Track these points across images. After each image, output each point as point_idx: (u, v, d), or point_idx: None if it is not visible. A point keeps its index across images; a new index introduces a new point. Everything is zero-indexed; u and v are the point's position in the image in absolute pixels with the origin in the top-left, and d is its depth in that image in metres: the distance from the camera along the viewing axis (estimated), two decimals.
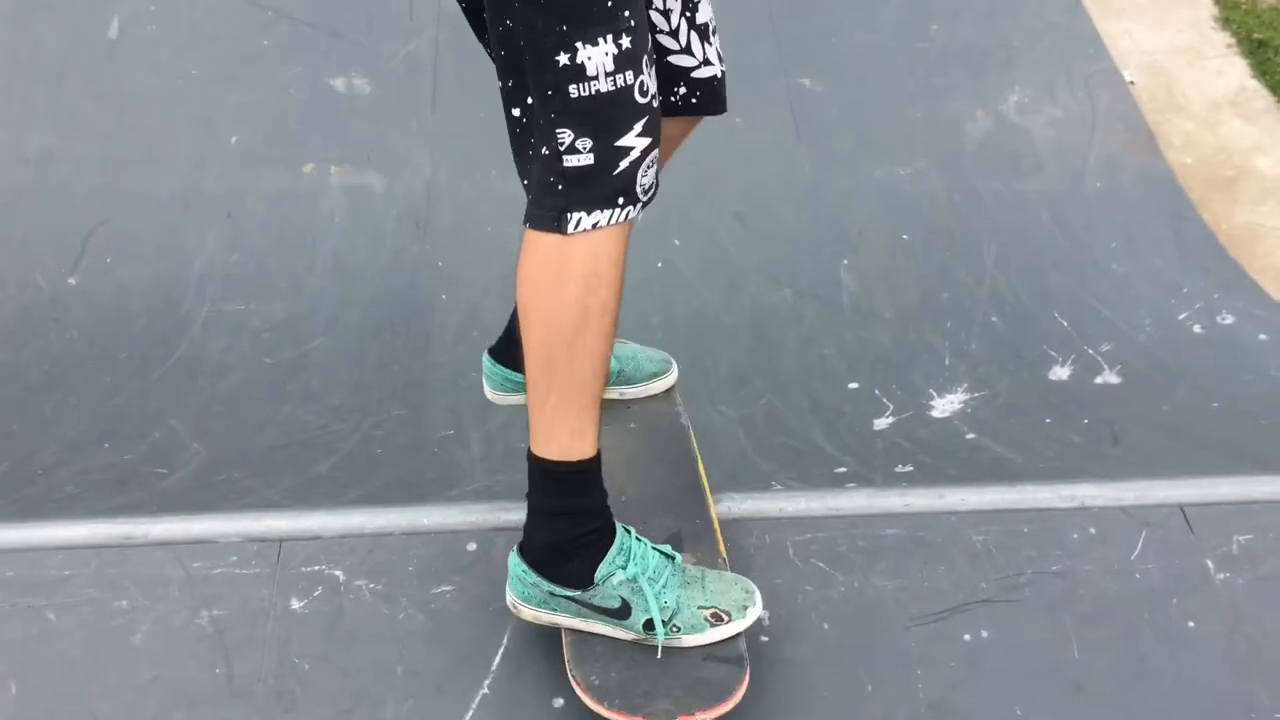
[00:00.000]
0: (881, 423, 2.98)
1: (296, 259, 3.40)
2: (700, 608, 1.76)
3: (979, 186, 3.74)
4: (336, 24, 4.08)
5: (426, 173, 3.67)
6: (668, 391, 2.35)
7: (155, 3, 4.06)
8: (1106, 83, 4.15)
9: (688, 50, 1.89)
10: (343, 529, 2.08)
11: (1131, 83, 4.18)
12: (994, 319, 3.30)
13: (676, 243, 3.51)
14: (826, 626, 2.04)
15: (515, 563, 1.80)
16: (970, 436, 2.91)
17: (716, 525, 2.06)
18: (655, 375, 2.33)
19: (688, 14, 1.84)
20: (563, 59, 1.51)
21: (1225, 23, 4.49)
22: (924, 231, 3.59)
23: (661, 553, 1.82)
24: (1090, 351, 3.19)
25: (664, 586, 1.75)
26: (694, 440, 2.29)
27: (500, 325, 2.37)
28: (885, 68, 4.15)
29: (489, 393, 2.27)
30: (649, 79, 1.60)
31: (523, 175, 1.80)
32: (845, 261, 3.47)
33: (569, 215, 1.61)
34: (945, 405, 3.04)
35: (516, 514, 2.04)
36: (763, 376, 3.15)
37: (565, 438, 1.69)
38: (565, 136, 1.57)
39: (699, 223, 3.58)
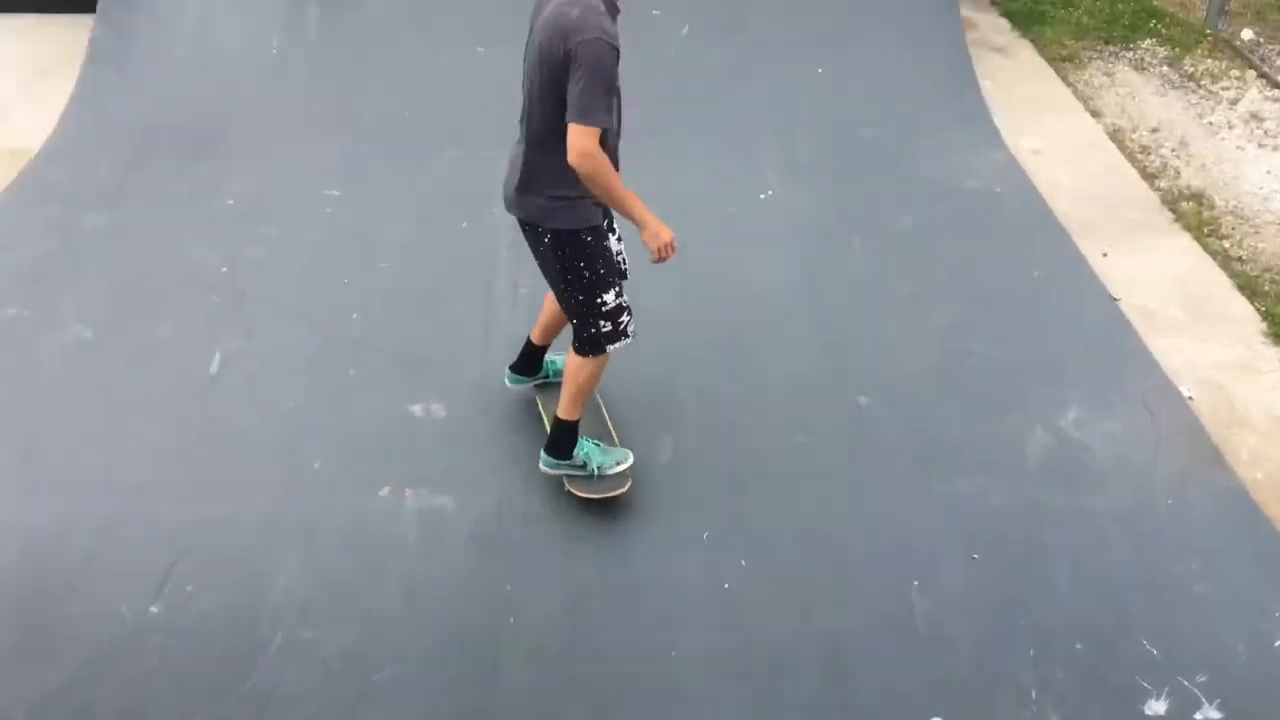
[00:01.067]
0: None
1: (369, 582, 3.46)
2: (613, 461, 3.72)
3: (1045, 503, 3.77)
4: (417, 354, 4.36)
5: (496, 493, 3.79)
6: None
7: (254, 341, 4.39)
8: (1164, 398, 4.24)
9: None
10: None
11: (1189, 398, 4.27)
12: (1078, 645, 3.23)
13: (742, 563, 3.53)
14: None
15: (544, 456, 3.73)
16: None
17: (613, 431, 3.95)
18: None
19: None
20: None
21: (1275, 338, 4.62)
22: (993, 550, 3.58)
23: (593, 442, 3.74)
24: (1185, 683, 3.09)
25: (595, 454, 3.70)
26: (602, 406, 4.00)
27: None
28: (938, 385, 4.30)
29: (508, 382, 4.13)
30: (624, 298, 3.56)
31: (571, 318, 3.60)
32: (916, 583, 3.45)
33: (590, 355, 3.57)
34: None
35: None
36: (839, 708, 3.07)
37: (573, 414, 3.65)
38: (602, 323, 3.50)
39: (763, 543, 3.61)
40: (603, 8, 3.12)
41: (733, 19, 6.27)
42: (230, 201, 5.22)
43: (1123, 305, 4.79)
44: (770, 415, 4.14)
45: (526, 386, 4.13)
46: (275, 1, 6.26)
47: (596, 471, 3.68)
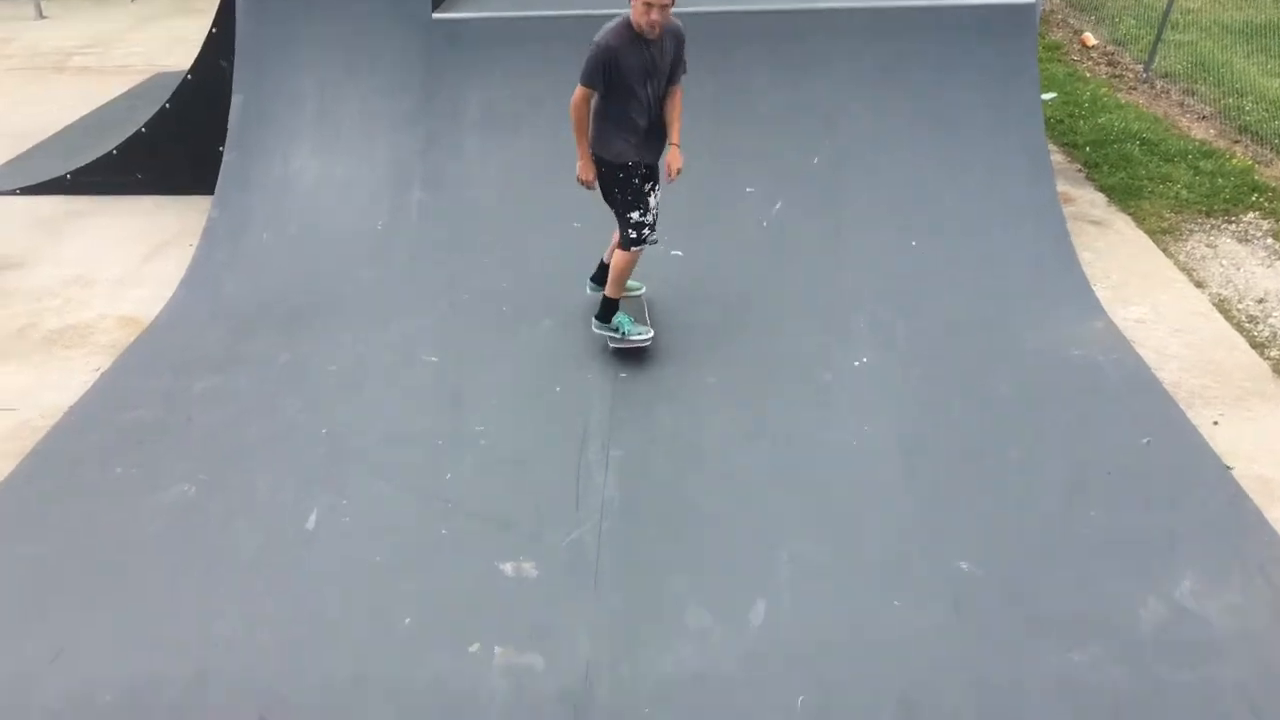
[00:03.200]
0: None
1: None
2: (637, 331, 5.41)
3: (1161, 677, 3.53)
4: (508, 515, 4.38)
5: (586, 652, 3.72)
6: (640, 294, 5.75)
7: (348, 499, 4.48)
8: None
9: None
10: None
11: None
12: None
13: None
14: None
15: (594, 321, 5.51)
16: None
17: (645, 312, 5.48)
18: (637, 289, 5.79)
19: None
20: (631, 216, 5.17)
21: None
22: None
23: (628, 317, 5.44)
24: None
25: (626, 323, 5.41)
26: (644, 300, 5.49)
27: None
28: (1044, 553, 4.13)
29: (588, 290, 5.80)
30: (646, 217, 5.18)
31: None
32: None
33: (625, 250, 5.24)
34: None
35: None
36: None
37: (614, 292, 5.38)
38: (630, 231, 5.16)
39: (861, 711, 3.44)
40: (621, 27, 4.77)
41: (825, 195, 6.43)
42: (332, 368, 5.43)
43: (1237, 474, 4.58)
44: (867, 581, 4.01)
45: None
46: (381, 186, 6.63)
47: (626, 334, 5.39)
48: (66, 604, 3.97)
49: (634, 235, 5.19)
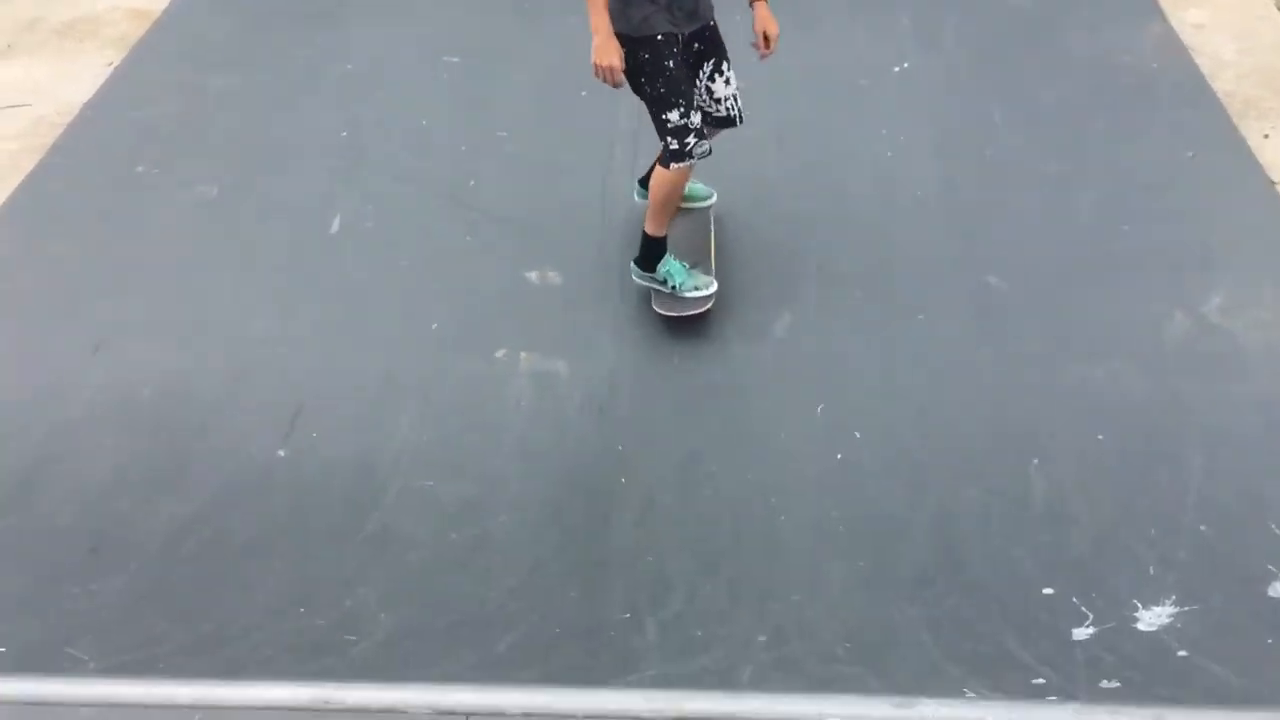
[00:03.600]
0: (1081, 633, 2.80)
1: (484, 439, 3.52)
2: (693, 285, 3.84)
3: (1181, 389, 3.58)
4: (534, 222, 4.35)
5: (611, 359, 3.79)
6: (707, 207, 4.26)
7: (372, 203, 4.44)
8: None
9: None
10: (527, 706, 2.06)
11: None
12: (1203, 528, 3.09)
13: (856, 435, 3.47)
14: None
15: (633, 267, 3.91)
16: (1182, 654, 2.69)
17: (712, 258, 4.07)
18: (703, 198, 4.26)
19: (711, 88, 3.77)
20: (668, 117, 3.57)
21: None
22: (1122, 434, 3.43)
23: (680, 264, 3.86)
24: None
25: (678, 273, 3.83)
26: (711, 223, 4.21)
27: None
28: (1075, 267, 4.10)
29: (636, 198, 4.21)
30: (692, 119, 3.57)
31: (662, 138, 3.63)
32: (1035, 461, 3.34)
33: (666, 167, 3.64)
34: (1152, 618, 2.84)
35: (697, 703, 2.00)
36: (949, 578, 3.02)
37: (656, 229, 3.80)
38: (670, 140, 3.58)
39: (879, 418, 3.53)
40: None
41: None
42: (349, 66, 5.26)
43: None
44: (893, 293, 4.02)
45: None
46: None
47: (677, 289, 3.81)
48: (102, 301, 4.04)
49: (674, 146, 3.56)
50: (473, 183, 4.57)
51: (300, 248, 4.26)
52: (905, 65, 5.20)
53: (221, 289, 4.08)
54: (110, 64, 5.36)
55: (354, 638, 2.74)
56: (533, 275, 4.13)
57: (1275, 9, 5.72)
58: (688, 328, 3.88)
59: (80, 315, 3.99)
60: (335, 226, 4.35)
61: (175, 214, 4.42)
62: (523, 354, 3.81)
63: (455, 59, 5.30)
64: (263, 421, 3.55)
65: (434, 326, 3.92)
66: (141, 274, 4.16)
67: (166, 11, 5.72)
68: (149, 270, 4.17)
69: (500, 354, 3.81)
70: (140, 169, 4.63)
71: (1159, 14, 5.50)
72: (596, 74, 3.50)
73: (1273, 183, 4.49)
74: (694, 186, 4.10)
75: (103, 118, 4.98)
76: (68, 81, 5.24)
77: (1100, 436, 3.41)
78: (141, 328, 3.93)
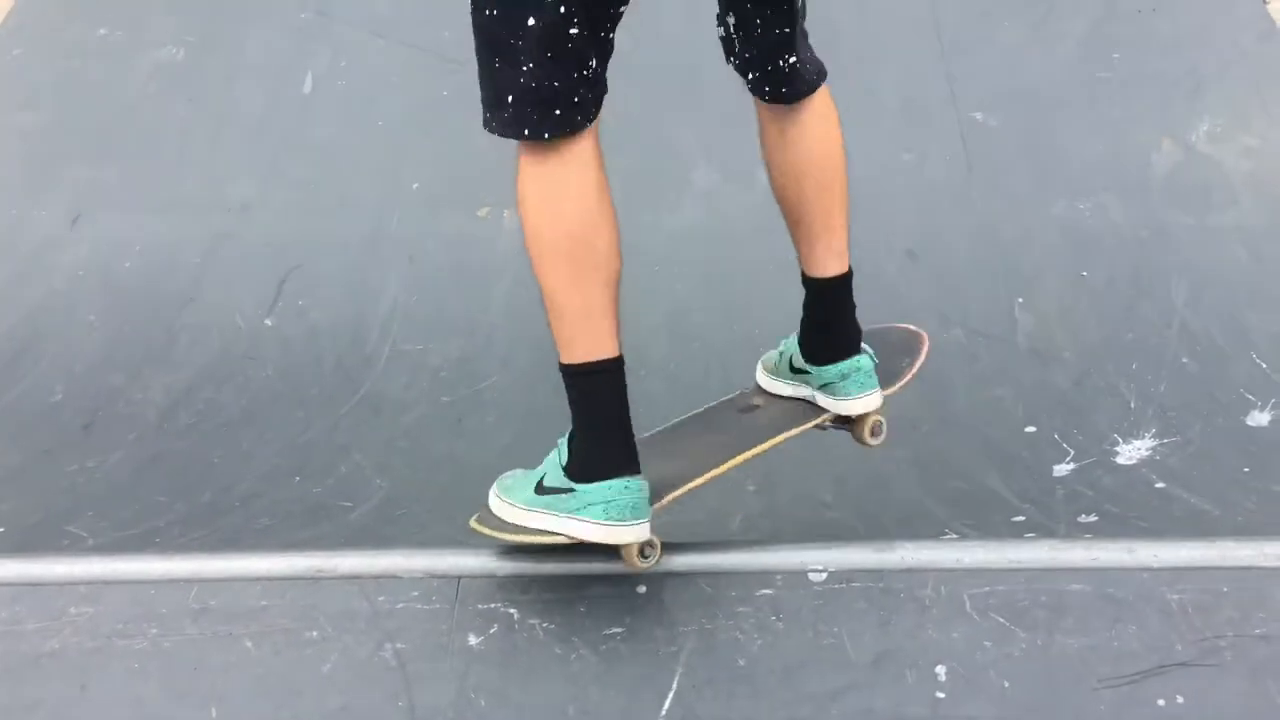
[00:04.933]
0: (1062, 469, 2.87)
1: (472, 299, 3.52)
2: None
3: (1167, 221, 3.58)
4: None
5: None
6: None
7: (346, 59, 4.31)
8: None
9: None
10: (517, 569, 2.13)
11: None
12: (1184, 360, 3.14)
13: None
14: (1007, 685, 1.96)
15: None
16: (1160, 486, 2.77)
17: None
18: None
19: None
20: None
21: None
22: (1107, 268, 3.45)
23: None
24: None
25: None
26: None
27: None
28: (1063, 99, 4.02)
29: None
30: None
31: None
32: (1020, 300, 3.36)
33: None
34: (1131, 452, 2.90)
35: (684, 556, 2.06)
36: (933, 418, 3.07)
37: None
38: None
39: (867, 259, 3.49)
40: None
41: None
42: None
43: (1272, 9, 4.34)
44: (877, 129, 3.92)
45: None
46: None
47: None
48: (76, 170, 3.96)
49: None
50: (446, 34, 4.41)
51: (274, 109, 4.15)
52: None
53: (196, 155, 4.00)
54: None
55: (350, 504, 2.81)
56: None
57: None
58: (674, 176, 3.82)
59: (53, 186, 3.92)
60: (308, 85, 4.23)
61: (143, 78, 4.28)
62: (506, 212, 3.74)
63: None
64: (248, 290, 3.54)
65: (415, 187, 3.87)
66: (113, 142, 4.06)
67: None
68: (120, 138, 4.07)
69: (483, 212, 3.77)
70: (103, 31, 4.46)
71: None
72: None
73: (1265, 1, 4.37)
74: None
75: None
76: None
77: (1084, 273, 3.43)
78: (118, 197, 3.86)
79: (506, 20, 1.80)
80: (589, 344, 1.92)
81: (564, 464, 1.98)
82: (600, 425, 1.96)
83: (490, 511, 2.08)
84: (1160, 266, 3.44)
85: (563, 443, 2.02)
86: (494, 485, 2.12)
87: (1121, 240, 3.53)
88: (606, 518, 1.92)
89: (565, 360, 1.96)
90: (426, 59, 4.30)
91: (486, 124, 1.94)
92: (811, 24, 4.24)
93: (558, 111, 1.83)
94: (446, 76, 4.23)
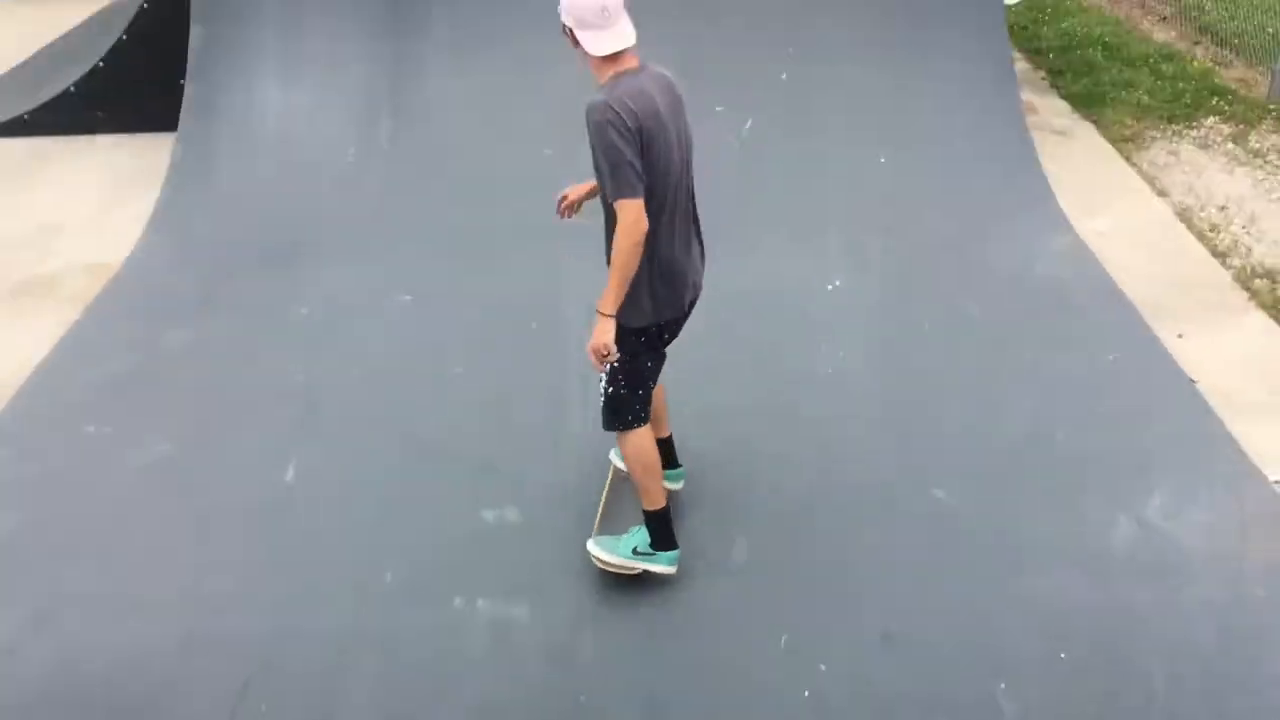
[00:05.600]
0: None
1: (443, 699, 3.42)
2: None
3: (1133, 598, 3.65)
4: (490, 460, 4.39)
5: (571, 602, 3.76)
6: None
7: (328, 449, 4.47)
8: (1251, 484, 4.12)
9: None
10: None
11: (1277, 482, 4.13)
12: None
13: (822, 668, 3.45)
14: None
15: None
16: None
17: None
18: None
19: None
20: None
21: None
22: (1083, 649, 3.46)
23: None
24: None
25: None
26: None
27: None
28: (1017, 476, 4.22)
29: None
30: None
31: None
32: (1002, 685, 3.34)
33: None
34: None
35: None
36: None
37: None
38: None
39: (842, 647, 3.53)
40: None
41: (794, 113, 6.36)
42: (304, 311, 5.37)
43: (1202, 388, 4.68)
44: (846, 511, 4.08)
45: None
46: (350, 113, 6.47)
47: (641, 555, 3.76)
48: (48, 569, 3.95)
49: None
50: (429, 422, 4.63)
51: (255, 501, 4.23)
52: (837, 283, 5.44)
53: (173, 551, 4.01)
54: (66, 322, 5.43)
55: None
56: (490, 515, 4.14)
57: (1173, 215, 6.12)
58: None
59: (26, 588, 3.88)
60: (290, 475, 4.35)
61: (126, 474, 4.38)
62: (480, 601, 3.76)
63: (408, 298, 5.45)
64: (213, 693, 3.43)
65: (388, 578, 3.87)
66: (90, 541, 4.07)
67: (124, 266, 5.83)
68: (98, 537, 4.09)
69: (458, 602, 3.76)
70: (91, 429, 4.63)
71: (1067, 225, 5.85)
72: (593, 354, 3.32)
73: (1193, 381, 4.71)
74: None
75: (55, 378, 4.99)
76: (21, 343, 5.27)
77: (1063, 655, 3.44)
78: (89, 598, 3.82)
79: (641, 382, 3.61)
80: (659, 500, 3.69)
81: (650, 543, 3.74)
82: (663, 533, 3.74)
83: (598, 558, 3.77)
84: (1134, 646, 3.46)
85: (638, 531, 3.77)
86: (593, 544, 3.79)
87: (1092, 619, 3.58)
88: (670, 565, 3.76)
89: (648, 508, 3.70)
90: (405, 447, 4.47)
91: (609, 426, 3.67)
92: (769, 411, 4.44)
93: (643, 415, 3.64)
94: (424, 463, 4.38)
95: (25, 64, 8.72)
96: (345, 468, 4.38)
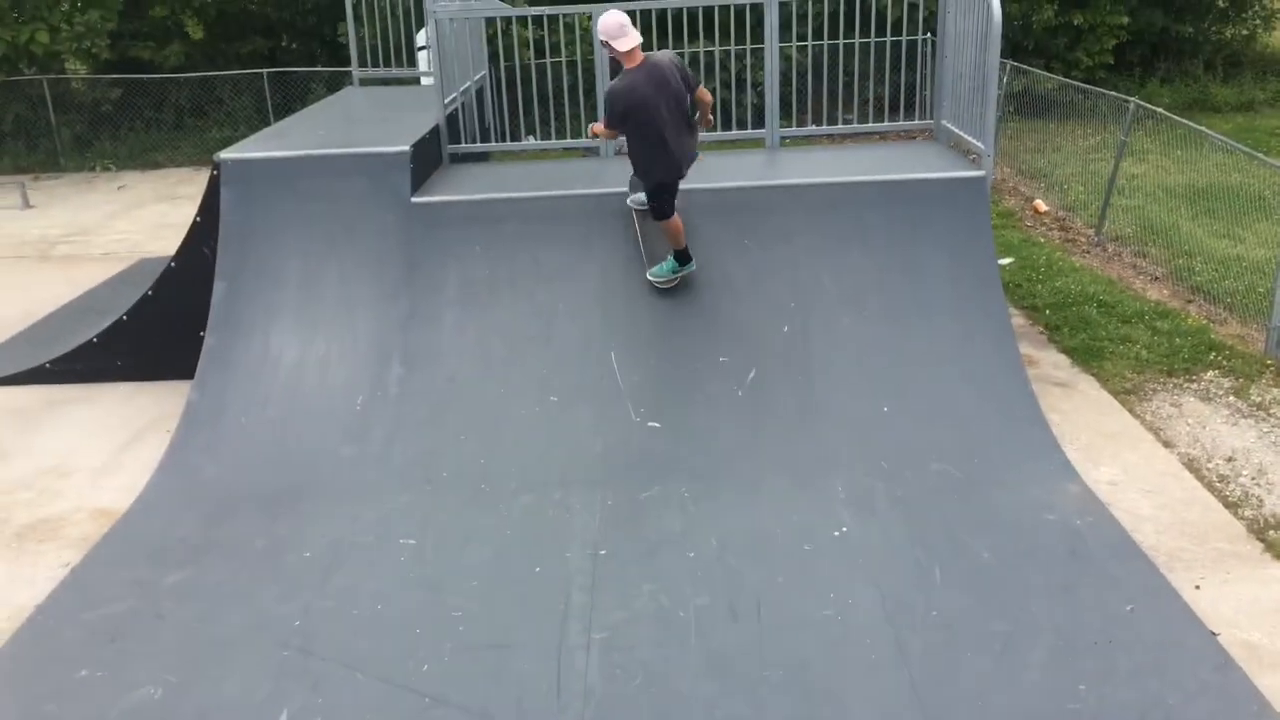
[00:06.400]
0: None
1: None
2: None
3: None
4: (488, 706, 4.26)
5: None
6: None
7: (322, 694, 4.35)
8: None
9: None
10: None
11: None
12: None
13: None
14: None
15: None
16: None
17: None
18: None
19: None
20: None
21: None
22: None
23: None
24: None
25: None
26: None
27: None
28: None
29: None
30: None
31: None
32: None
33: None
34: None
35: None
36: None
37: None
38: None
39: None
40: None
41: (796, 364, 6.53)
42: (307, 554, 5.36)
43: (1223, 640, 4.55)
44: None
45: None
46: (361, 363, 6.67)
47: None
48: None
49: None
50: (426, 667, 4.52)
51: None
52: (844, 529, 5.42)
53: None
54: (68, 564, 5.42)
55: None
56: None
57: (1180, 465, 6.15)
58: None
59: None
60: None
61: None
62: None
63: (411, 541, 5.44)
64: None
65: None
66: None
67: (131, 509, 5.87)
68: None
69: None
70: (85, 673, 4.54)
71: (1074, 474, 5.87)
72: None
73: (1214, 634, 4.59)
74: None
75: (52, 622, 4.94)
76: (22, 586, 5.25)
77: None
78: None
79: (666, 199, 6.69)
80: (681, 242, 6.79)
81: (679, 264, 6.79)
82: (684, 256, 6.79)
83: (655, 280, 6.82)
84: None
85: (671, 261, 6.78)
86: (649, 274, 6.82)
87: None
88: (693, 266, 6.86)
89: (676, 248, 6.74)
90: (402, 693, 4.35)
91: (660, 217, 6.70)
92: (779, 659, 4.36)
93: (671, 210, 6.71)
94: (422, 712, 4.25)
95: (44, 320, 9.07)
96: (336, 714, 4.25)
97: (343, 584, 5.11)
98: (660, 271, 6.77)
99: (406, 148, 7.12)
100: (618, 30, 6.18)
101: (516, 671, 4.47)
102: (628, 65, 6.22)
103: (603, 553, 5.22)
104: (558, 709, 4.23)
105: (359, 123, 8.92)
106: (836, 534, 5.39)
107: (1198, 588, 4.95)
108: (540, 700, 4.30)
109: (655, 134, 6.30)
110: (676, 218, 6.60)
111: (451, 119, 8.17)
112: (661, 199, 6.55)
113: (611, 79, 6.46)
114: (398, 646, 4.64)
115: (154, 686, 4.43)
